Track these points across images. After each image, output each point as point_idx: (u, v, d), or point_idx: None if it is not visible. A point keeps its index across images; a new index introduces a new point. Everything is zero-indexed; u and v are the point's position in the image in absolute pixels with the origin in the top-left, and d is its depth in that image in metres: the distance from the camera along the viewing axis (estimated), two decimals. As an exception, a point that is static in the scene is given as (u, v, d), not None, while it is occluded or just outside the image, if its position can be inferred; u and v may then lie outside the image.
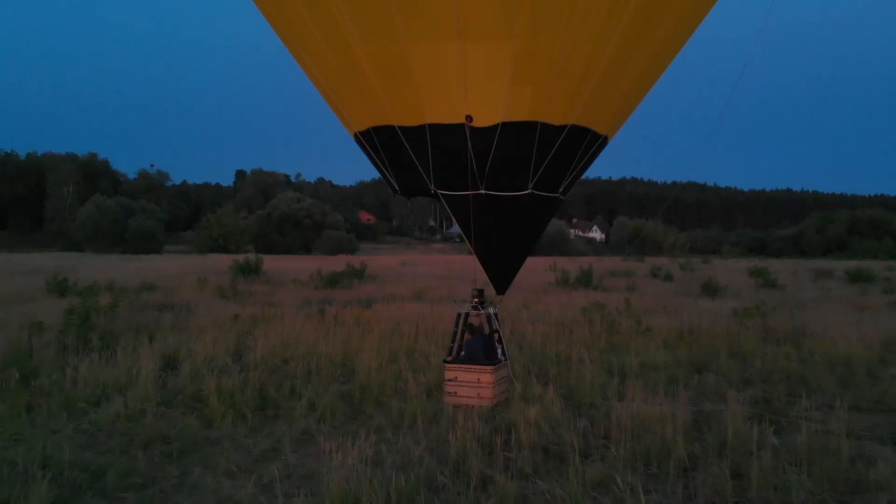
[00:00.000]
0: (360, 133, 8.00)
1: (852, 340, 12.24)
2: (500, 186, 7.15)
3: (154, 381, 8.51)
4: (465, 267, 8.57)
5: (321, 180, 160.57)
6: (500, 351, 8.22)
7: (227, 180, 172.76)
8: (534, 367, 9.53)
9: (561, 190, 7.54)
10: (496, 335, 8.26)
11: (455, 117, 6.80)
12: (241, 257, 31.54)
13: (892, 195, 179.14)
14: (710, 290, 24.25)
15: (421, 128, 7.12)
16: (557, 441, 6.28)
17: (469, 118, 6.72)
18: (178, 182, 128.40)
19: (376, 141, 7.74)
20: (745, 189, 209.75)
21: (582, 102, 6.74)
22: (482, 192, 7.30)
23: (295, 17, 7.31)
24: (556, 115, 6.73)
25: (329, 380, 8.75)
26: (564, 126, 6.81)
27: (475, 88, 6.54)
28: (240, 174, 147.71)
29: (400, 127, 7.28)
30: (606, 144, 7.94)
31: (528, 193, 7.11)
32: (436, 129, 7.01)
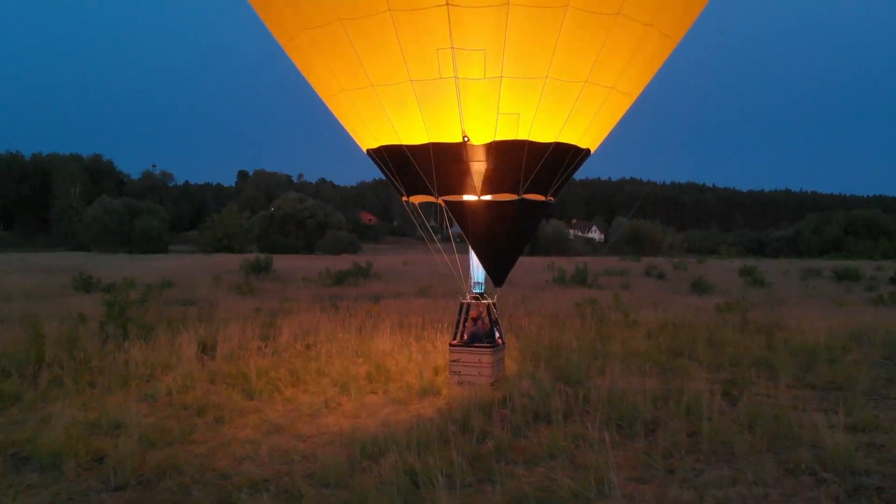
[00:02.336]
0: (372, 150, 9.25)
1: (821, 332, 13.44)
2: (494, 193, 8.40)
3: (195, 362, 9.76)
4: (466, 265, 9.80)
5: (322, 180, 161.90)
6: (497, 336, 9.44)
7: (228, 180, 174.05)
8: (528, 352, 10.75)
9: (549, 195, 8.80)
10: (494, 322, 9.47)
11: (454, 137, 8.06)
12: (251, 257, 32.77)
13: (890, 195, 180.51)
14: (700, 287, 25.50)
15: (426, 146, 8.37)
16: (545, 407, 7.50)
17: (466, 138, 8.00)
18: (179, 182, 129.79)
19: (387, 157, 8.98)
20: (744, 190, 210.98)
21: (564, 124, 7.98)
22: (479, 198, 8.56)
23: (315, 56, 8.54)
24: (541, 135, 7.98)
25: (349, 362, 9.98)
26: (550, 144, 8.06)
27: (471, 115, 7.79)
28: (242, 174, 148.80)
29: (407, 146, 8.52)
30: (590, 155, 9.18)
31: (520, 199, 8.37)
32: (438, 147, 8.26)
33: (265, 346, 10.50)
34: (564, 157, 8.38)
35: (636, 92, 8.79)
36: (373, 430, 6.72)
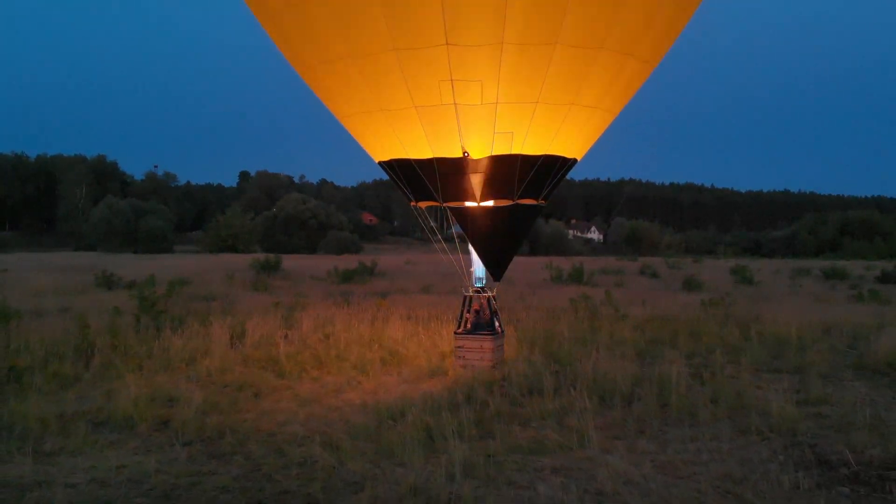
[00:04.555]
0: (383, 162, 10.48)
1: (796, 325, 14.63)
2: (492, 199, 9.64)
3: (228, 348, 10.97)
4: (468, 263, 11.03)
5: (324, 181, 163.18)
6: (497, 325, 10.65)
7: (230, 181, 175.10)
8: (525, 340, 11.97)
9: (540, 199, 10.04)
10: (494, 313, 10.68)
11: (456, 153, 9.30)
12: (260, 256, 33.97)
13: (888, 196, 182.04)
14: (690, 285, 26.72)
15: (430, 160, 9.60)
16: (538, 383, 8.72)
17: (466, 153, 9.23)
18: (181, 183, 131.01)
19: (397, 168, 10.21)
20: (743, 190, 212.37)
21: (553, 139, 9.21)
22: (479, 204, 9.80)
23: (331, 84, 9.77)
24: (532, 149, 9.20)
25: (365, 349, 11.19)
26: (540, 156, 9.29)
27: (470, 134, 9.01)
28: (243, 175, 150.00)
29: (415, 160, 9.75)
30: (577, 163, 10.42)
31: (515, 204, 9.61)
32: (441, 161, 9.50)
33: (290, 335, 11.72)
34: (553, 166, 9.61)
35: (618, 109, 10.02)
36: (391, 402, 7.94)
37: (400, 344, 11.39)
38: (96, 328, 12.11)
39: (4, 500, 5.36)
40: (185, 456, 6.31)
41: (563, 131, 9.15)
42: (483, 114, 8.77)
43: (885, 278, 31.98)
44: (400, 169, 10.10)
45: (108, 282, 22.46)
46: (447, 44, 8.10)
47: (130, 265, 38.46)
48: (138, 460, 6.22)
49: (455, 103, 8.64)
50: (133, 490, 5.57)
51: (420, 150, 9.60)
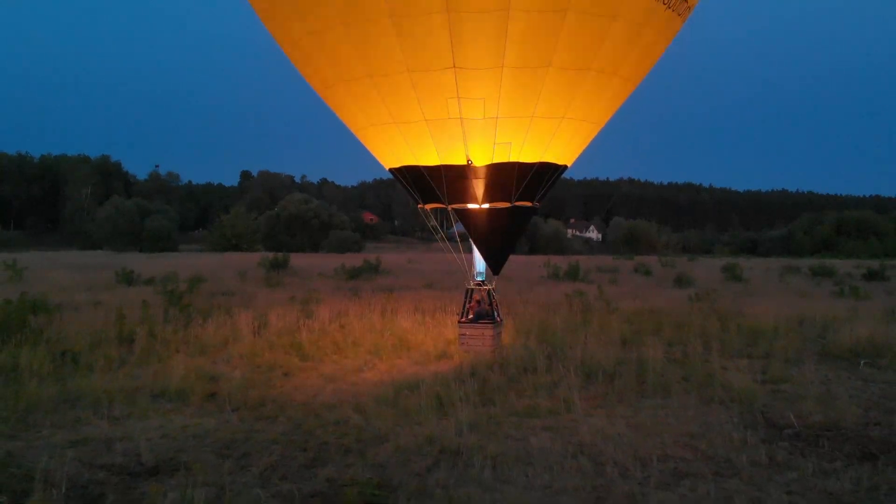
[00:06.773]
0: (394, 168, 11.70)
1: (774, 317, 15.84)
2: (492, 202, 10.89)
3: (255, 336, 12.19)
4: (470, 259, 12.25)
5: (325, 181, 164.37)
6: (496, 315, 11.88)
7: (230, 181, 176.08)
8: (522, 329, 13.20)
9: (535, 201, 11.29)
10: (494, 304, 11.92)
11: (460, 160, 10.54)
12: (269, 254, 35.17)
13: (885, 196, 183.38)
14: (681, 282, 27.95)
15: (438, 167, 10.84)
16: (532, 363, 9.95)
17: (470, 162, 10.48)
18: (183, 182, 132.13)
19: (406, 174, 11.44)
20: (741, 190, 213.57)
21: (546, 148, 10.46)
22: (480, 206, 11.04)
23: (348, 100, 10.97)
24: (528, 157, 10.45)
25: (377, 336, 12.42)
26: (535, 163, 10.54)
27: (473, 144, 10.26)
28: (245, 175, 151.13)
29: (423, 166, 10.98)
30: (567, 168, 11.66)
31: (512, 206, 10.85)
32: (448, 168, 10.74)
33: (309, 324, 12.96)
34: (546, 172, 10.88)
35: (604, 121, 11.28)
36: (406, 378, 9.17)
37: (409, 332, 12.63)
38: (130, 318, 13.33)
39: (96, 449, 6.59)
40: (236, 419, 7.54)
41: (555, 142, 10.39)
42: (485, 127, 10.01)
43: (869, 276, 33.23)
44: (409, 175, 11.33)
45: (128, 278, 23.66)
46: (454, 67, 9.34)
47: (141, 263, 39.56)
48: (197, 422, 7.45)
49: (461, 118, 9.88)
50: (199, 443, 6.80)
51: (429, 158, 10.83)
